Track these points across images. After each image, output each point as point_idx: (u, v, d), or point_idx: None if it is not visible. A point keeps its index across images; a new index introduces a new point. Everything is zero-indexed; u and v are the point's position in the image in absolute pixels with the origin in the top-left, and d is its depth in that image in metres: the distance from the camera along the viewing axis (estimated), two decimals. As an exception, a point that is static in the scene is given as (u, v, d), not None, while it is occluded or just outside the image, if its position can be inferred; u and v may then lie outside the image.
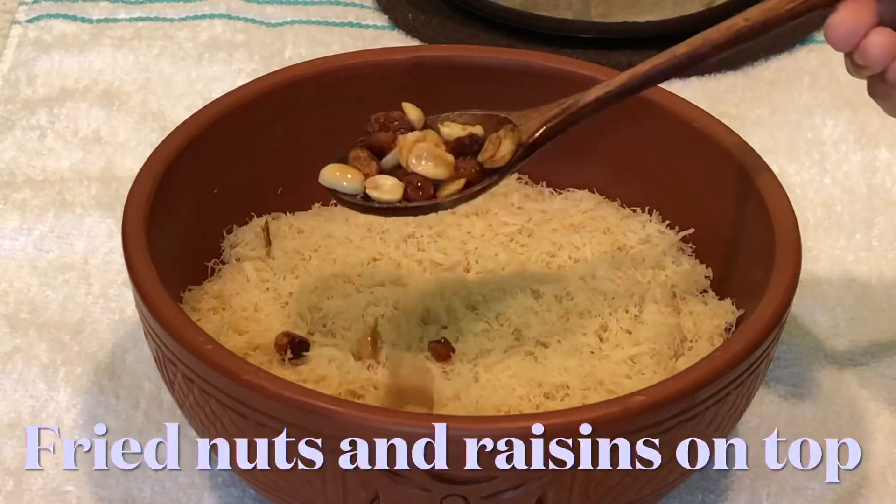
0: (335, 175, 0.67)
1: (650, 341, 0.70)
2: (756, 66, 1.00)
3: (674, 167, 0.75)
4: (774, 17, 0.66)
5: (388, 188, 0.66)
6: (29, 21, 1.01)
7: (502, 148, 0.67)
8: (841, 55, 0.99)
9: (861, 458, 0.74)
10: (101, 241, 0.85)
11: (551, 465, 0.60)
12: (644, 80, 0.68)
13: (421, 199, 0.66)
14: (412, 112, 0.69)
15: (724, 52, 0.67)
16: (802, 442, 0.74)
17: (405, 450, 0.60)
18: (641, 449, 0.61)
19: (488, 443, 0.59)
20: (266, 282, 0.73)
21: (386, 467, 0.60)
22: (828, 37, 0.65)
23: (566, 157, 0.78)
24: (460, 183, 0.67)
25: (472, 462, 0.60)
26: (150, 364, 0.76)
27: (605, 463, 0.61)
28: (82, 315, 0.80)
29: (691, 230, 0.76)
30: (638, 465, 0.62)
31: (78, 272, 0.83)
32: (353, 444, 0.60)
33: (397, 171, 0.67)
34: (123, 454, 0.72)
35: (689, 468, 0.65)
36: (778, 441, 0.74)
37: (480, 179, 0.67)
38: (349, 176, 0.67)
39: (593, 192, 0.79)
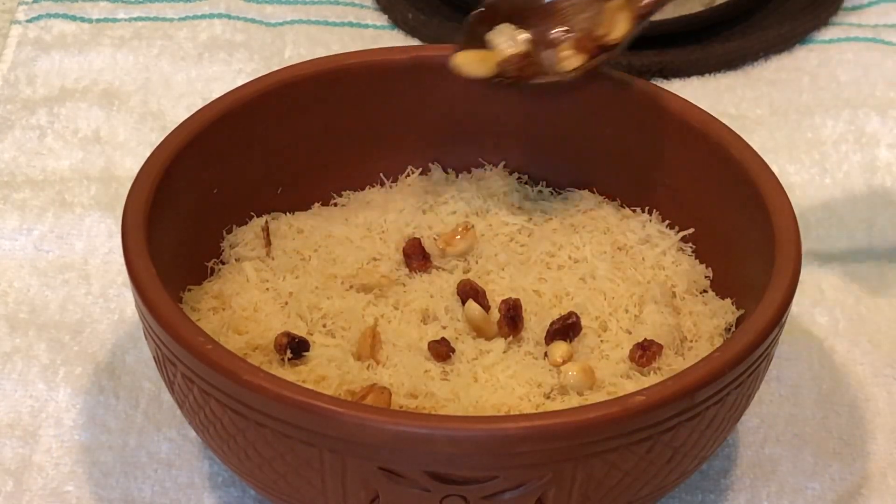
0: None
1: (650, 341, 0.70)
2: (756, 66, 1.00)
3: (674, 167, 0.75)
4: None
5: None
6: (29, 21, 1.01)
7: (619, 26, 0.71)
8: (840, 55, 1.00)
9: (861, 459, 0.74)
10: (101, 241, 0.85)
11: (551, 465, 0.60)
12: None
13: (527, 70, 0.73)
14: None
15: None
16: (802, 442, 0.74)
17: (405, 450, 0.60)
18: (641, 449, 0.61)
19: (488, 443, 0.60)
20: (266, 282, 0.73)
21: (386, 467, 0.60)
22: None
23: (566, 157, 0.78)
24: (580, 59, 0.72)
25: (472, 462, 0.60)
26: (150, 364, 0.76)
27: (605, 463, 0.61)
28: (82, 315, 0.80)
29: (691, 230, 0.76)
30: (638, 465, 0.62)
31: (78, 272, 0.83)
32: (353, 444, 0.60)
33: None
34: (123, 454, 0.73)
35: (689, 468, 0.65)
36: (778, 441, 0.75)
37: (597, 54, 0.73)
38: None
39: (593, 192, 0.79)
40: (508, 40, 0.73)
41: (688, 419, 0.62)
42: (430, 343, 0.69)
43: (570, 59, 0.73)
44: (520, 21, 0.75)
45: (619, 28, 0.72)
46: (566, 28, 0.75)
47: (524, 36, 0.74)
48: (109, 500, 0.71)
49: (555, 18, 0.75)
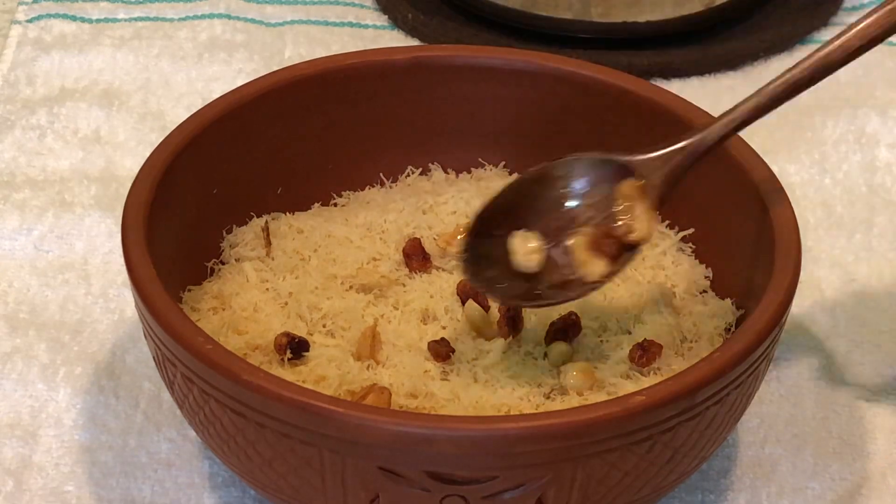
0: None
1: (650, 341, 0.70)
2: (756, 66, 1.00)
3: (674, 167, 0.75)
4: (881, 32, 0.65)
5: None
6: (29, 21, 1.01)
7: (640, 222, 0.66)
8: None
9: (861, 459, 0.74)
10: (101, 241, 0.85)
11: (551, 465, 0.60)
12: (770, 102, 0.67)
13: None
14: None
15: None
16: (802, 442, 0.74)
17: (405, 450, 0.60)
18: (641, 449, 0.61)
19: (488, 443, 0.59)
20: (266, 282, 0.73)
21: (386, 467, 0.60)
22: None
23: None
24: (603, 264, 0.66)
25: (472, 462, 0.60)
26: (150, 364, 0.76)
27: (605, 463, 0.61)
28: (82, 315, 0.80)
29: (691, 230, 0.76)
30: (638, 465, 0.62)
31: (78, 272, 0.83)
32: (353, 444, 0.60)
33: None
34: (123, 454, 0.73)
35: (689, 468, 0.65)
36: (778, 441, 0.75)
37: (620, 254, 0.67)
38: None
39: (593, 192, 0.79)
40: (523, 248, 0.67)
41: (688, 419, 0.62)
42: (430, 343, 0.69)
43: (590, 266, 0.67)
44: (523, 222, 0.68)
45: (641, 223, 0.66)
46: (579, 225, 0.68)
47: (536, 242, 0.68)
48: (109, 500, 0.71)
49: (562, 215, 0.68)
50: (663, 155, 0.68)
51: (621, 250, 0.67)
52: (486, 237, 0.68)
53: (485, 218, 0.69)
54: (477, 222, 0.68)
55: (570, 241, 0.67)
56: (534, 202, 0.69)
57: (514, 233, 0.68)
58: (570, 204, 0.68)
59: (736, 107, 0.68)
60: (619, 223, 0.67)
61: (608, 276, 0.67)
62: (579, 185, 0.68)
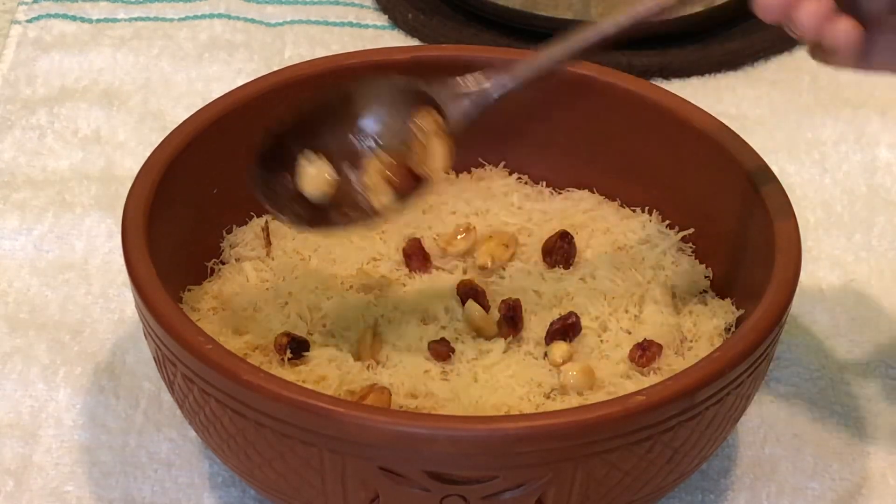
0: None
1: (650, 341, 0.70)
2: (756, 66, 1.00)
3: (674, 167, 0.75)
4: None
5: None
6: (29, 21, 1.01)
7: (436, 158, 0.64)
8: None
9: (861, 459, 0.74)
10: (101, 241, 0.85)
11: (551, 465, 0.60)
12: (568, 54, 0.66)
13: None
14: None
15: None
16: (802, 442, 0.74)
17: (405, 450, 0.60)
18: (641, 449, 0.61)
19: (488, 443, 0.59)
20: (266, 282, 0.73)
21: (386, 467, 0.60)
22: (756, 8, 0.64)
23: (566, 157, 0.78)
24: (392, 193, 0.65)
25: (472, 462, 0.60)
26: (150, 364, 0.76)
27: (605, 463, 0.61)
28: (82, 315, 0.80)
29: (691, 230, 0.76)
30: (638, 465, 0.62)
31: (78, 272, 0.83)
32: (353, 444, 0.60)
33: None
34: (123, 454, 0.73)
35: (689, 468, 0.65)
36: (778, 441, 0.75)
37: (412, 185, 0.65)
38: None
39: (593, 192, 0.79)
40: (312, 175, 0.65)
41: (688, 419, 0.62)
42: (430, 343, 0.69)
43: (379, 193, 0.65)
44: (320, 141, 0.66)
45: (434, 156, 0.64)
46: (375, 149, 0.66)
47: (327, 170, 0.66)
48: (109, 500, 0.71)
49: (359, 137, 0.67)
50: (462, 92, 0.66)
51: (413, 181, 0.66)
52: (280, 154, 0.66)
53: (280, 133, 0.66)
54: (269, 138, 0.66)
55: (362, 165, 0.66)
56: (333, 121, 0.67)
57: (307, 155, 0.66)
58: (369, 127, 0.67)
59: (522, 62, 0.66)
60: (414, 153, 0.65)
61: (397, 207, 0.66)
62: (380, 108, 0.67)
